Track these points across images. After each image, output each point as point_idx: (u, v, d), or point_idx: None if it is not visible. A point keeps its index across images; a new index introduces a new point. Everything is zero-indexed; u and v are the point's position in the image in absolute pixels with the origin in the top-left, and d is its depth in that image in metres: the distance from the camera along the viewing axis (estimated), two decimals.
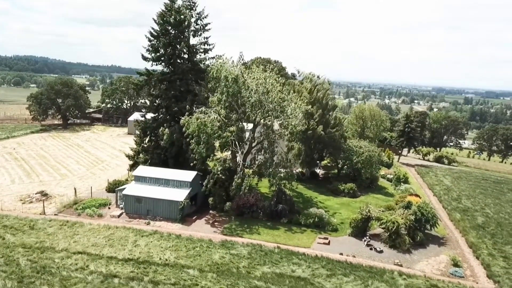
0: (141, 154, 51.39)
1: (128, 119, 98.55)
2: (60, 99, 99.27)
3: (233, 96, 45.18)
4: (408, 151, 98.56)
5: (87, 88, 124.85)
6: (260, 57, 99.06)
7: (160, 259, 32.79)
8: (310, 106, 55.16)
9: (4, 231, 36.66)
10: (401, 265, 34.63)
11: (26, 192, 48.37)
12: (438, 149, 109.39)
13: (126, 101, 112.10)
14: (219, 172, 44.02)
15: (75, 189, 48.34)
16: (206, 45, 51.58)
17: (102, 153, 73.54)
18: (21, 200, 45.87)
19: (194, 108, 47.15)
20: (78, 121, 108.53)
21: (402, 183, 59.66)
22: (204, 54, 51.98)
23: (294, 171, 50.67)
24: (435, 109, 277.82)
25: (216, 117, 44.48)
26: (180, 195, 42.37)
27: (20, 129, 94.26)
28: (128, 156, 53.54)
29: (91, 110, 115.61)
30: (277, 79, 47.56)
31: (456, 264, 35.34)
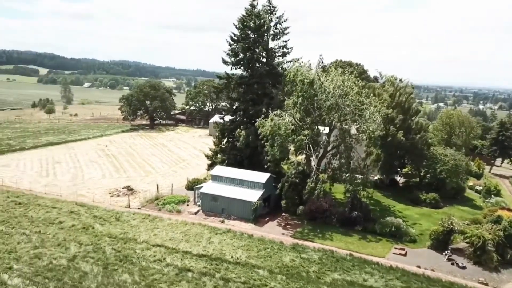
0: (219, 155, 53.25)
1: (209, 121, 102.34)
2: (148, 101, 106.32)
3: (309, 100, 44.84)
4: (502, 161, 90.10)
5: (173, 91, 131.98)
6: (340, 60, 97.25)
7: (232, 257, 33.64)
8: (390, 110, 52.81)
9: (94, 221, 40.25)
10: (486, 284, 31.80)
11: (114, 186, 52.57)
12: None
13: (208, 104, 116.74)
14: (292, 175, 43.94)
15: (157, 185, 51.46)
16: (284, 48, 52.08)
17: (184, 153, 77.36)
18: (109, 193, 49.99)
19: (270, 111, 47.64)
20: (164, 121, 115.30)
21: (492, 196, 54.96)
22: (282, 58, 52.52)
23: (372, 178, 48.79)
24: None
25: (291, 120, 44.43)
26: (254, 195, 43.08)
27: (112, 128, 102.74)
28: (207, 156, 55.73)
29: (176, 111, 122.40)
30: (355, 82, 46.32)
31: None
